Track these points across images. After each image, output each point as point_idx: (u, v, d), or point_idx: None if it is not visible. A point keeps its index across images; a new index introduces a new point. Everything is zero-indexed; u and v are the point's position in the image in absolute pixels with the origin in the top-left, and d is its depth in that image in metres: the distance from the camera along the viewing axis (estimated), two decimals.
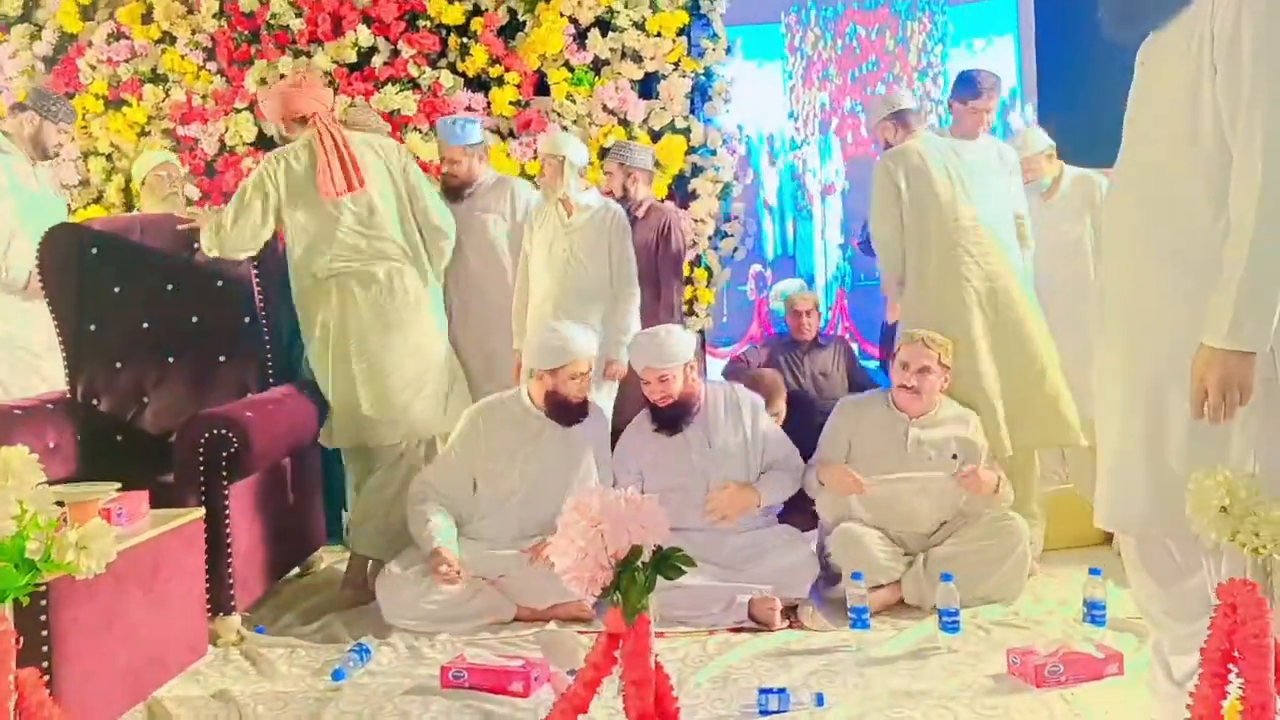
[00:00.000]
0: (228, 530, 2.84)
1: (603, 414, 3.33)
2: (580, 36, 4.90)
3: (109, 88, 4.91)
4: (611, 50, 4.89)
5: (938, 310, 3.33)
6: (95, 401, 3.35)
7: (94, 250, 3.39)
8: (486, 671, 2.43)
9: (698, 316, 4.84)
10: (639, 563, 1.59)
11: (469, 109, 4.89)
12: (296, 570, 3.49)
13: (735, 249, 4.98)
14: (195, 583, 2.60)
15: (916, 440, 3.10)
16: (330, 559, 3.71)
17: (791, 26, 5.47)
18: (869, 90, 5.36)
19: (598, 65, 4.92)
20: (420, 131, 4.88)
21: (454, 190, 3.84)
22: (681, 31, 4.89)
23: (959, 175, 3.43)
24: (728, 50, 5.00)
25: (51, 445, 3.06)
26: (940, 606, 2.68)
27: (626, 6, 4.87)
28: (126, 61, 4.91)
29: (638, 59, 4.89)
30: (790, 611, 2.91)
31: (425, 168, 4.76)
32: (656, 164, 4.53)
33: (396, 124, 4.87)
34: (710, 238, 4.88)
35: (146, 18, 4.91)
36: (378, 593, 2.96)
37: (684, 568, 1.63)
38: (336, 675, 2.53)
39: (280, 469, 3.28)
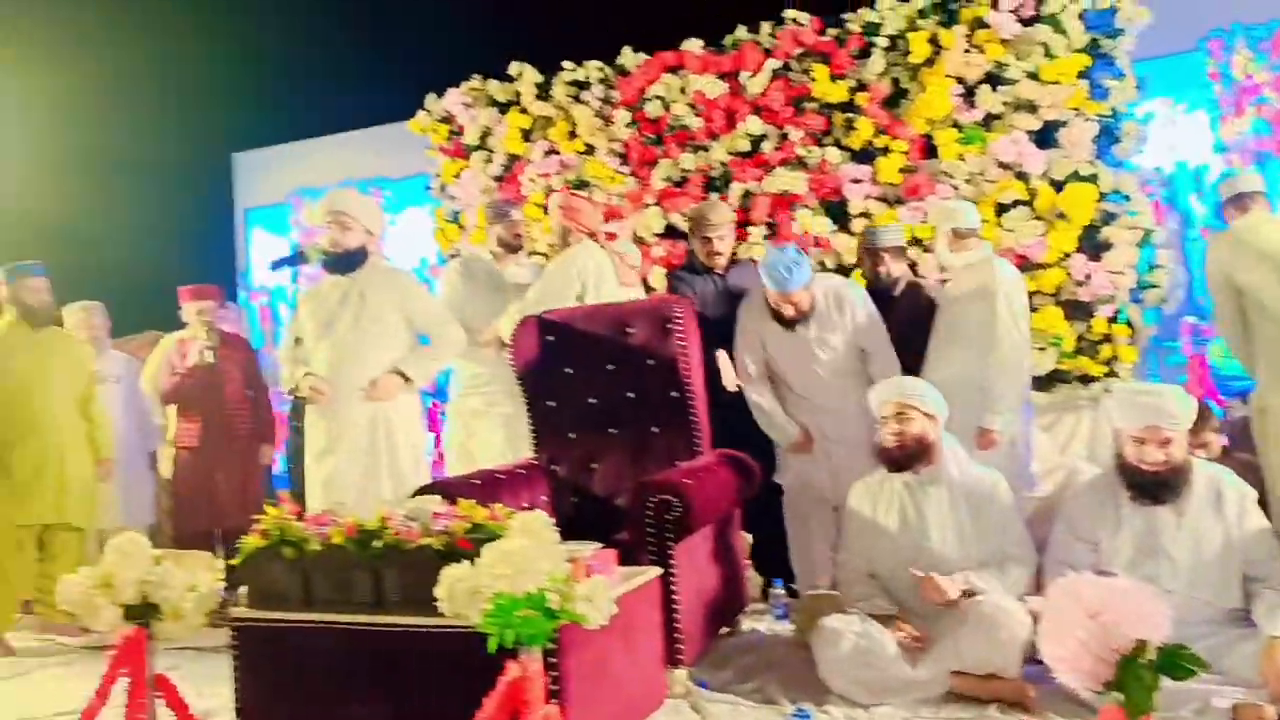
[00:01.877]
0: (674, 587, 3.09)
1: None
2: (968, 94, 4.84)
3: (545, 196, 5.69)
4: (1004, 104, 4.77)
5: None
6: (555, 467, 3.84)
7: (550, 337, 3.92)
8: None
9: (1119, 377, 4.48)
10: (1144, 660, 1.51)
11: (856, 180, 5.02)
12: (726, 630, 3.70)
13: (1162, 301, 4.55)
14: (655, 636, 2.86)
15: None
16: (749, 621, 3.88)
17: (1214, 52, 4.98)
18: None
19: (988, 121, 4.83)
20: (809, 209, 5.08)
21: (790, 322, 3.85)
22: (1082, 74, 4.66)
23: None
24: (1137, 87, 4.66)
25: (526, 505, 3.54)
26: None
27: (1018, 58, 4.74)
28: (557, 173, 5.67)
29: (1033, 109, 4.72)
30: None
31: (804, 240, 4.97)
32: (915, 241, 4.55)
33: (785, 203, 5.12)
34: (1131, 290, 4.51)
35: (572, 134, 5.66)
36: (813, 647, 3.03)
37: (1195, 669, 1.51)
38: None
39: (711, 531, 3.51)
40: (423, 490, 3.20)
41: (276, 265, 3.70)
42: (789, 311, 3.76)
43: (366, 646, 2.36)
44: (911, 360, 3.84)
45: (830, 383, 3.84)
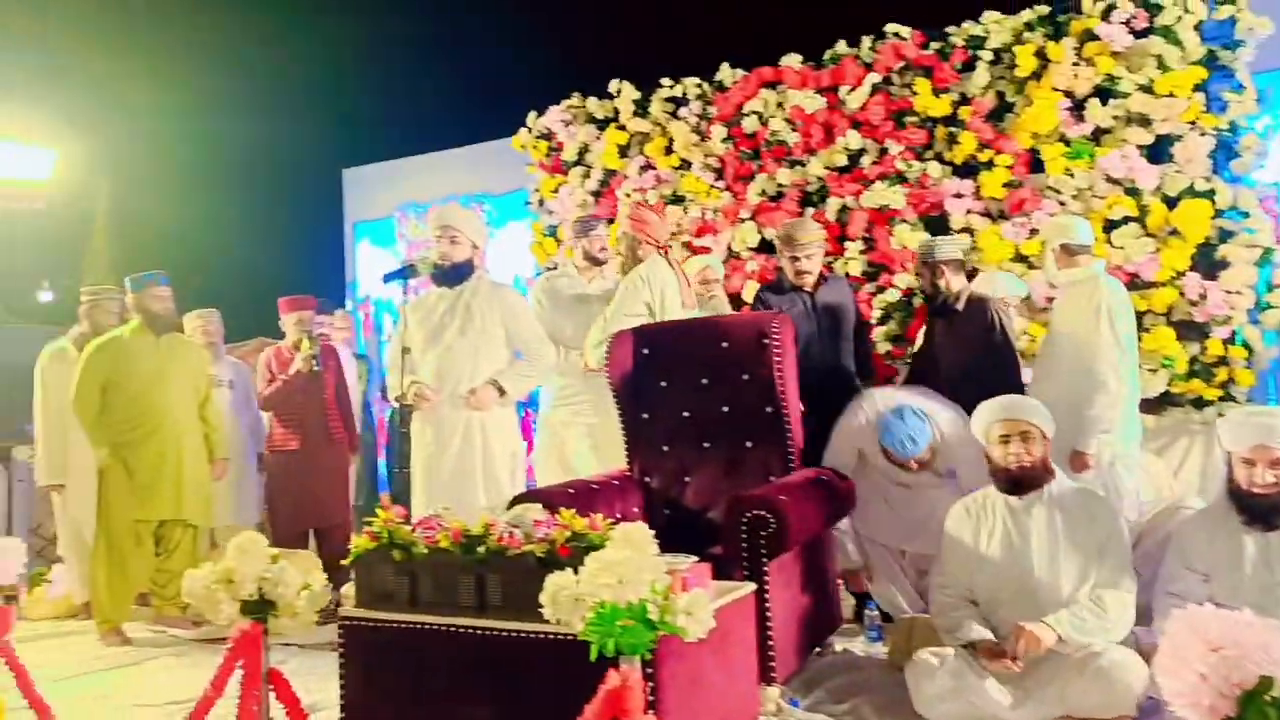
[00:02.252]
0: (767, 604, 3.08)
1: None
2: (1077, 108, 4.72)
3: None
4: (1115, 118, 4.64)
5: None
6: (648, 479, 3.87)
7: (645, 350, 3.95)
8: None
9: (1235, 401, 4.29)
10: (1268, 696, 1.45)
11: (958, 195, 4.93)
12: (818, 649, 3.66)
13: None
14: (749, 652, 2.85)
15: None
16: (842, 641, 3.83)
17: None
18: None
19: (1098, 135, 4.69)
20: (909, 223, 5.01)
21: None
22: (1198, 87, 4.49)
23: None
24: (1258, 100, 4.47)
25: (618, 516, 3.57)
26: None
27: (1130, 71, 4.60)
28: (653, 188, 5.73)
29: (1145, 123, 4.57)
30: None
31: (901, 255, 4.89)
32: (1020, 257, 4.51)
33: (883, 218, 5.07)
34: (1248, 311, 4.32)
35: (668, 150, 5.72)
36: (908, 679, 2.98)
37: None
38: None
39: (804, 550, 3.49)
40: (519, 499, 3.27)
41: (388, 278, 3.83)
42: (912, 468, 3.70)
43: (469, 648, 2.42)
44: (981, 379, 3.70)
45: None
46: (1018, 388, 3.75)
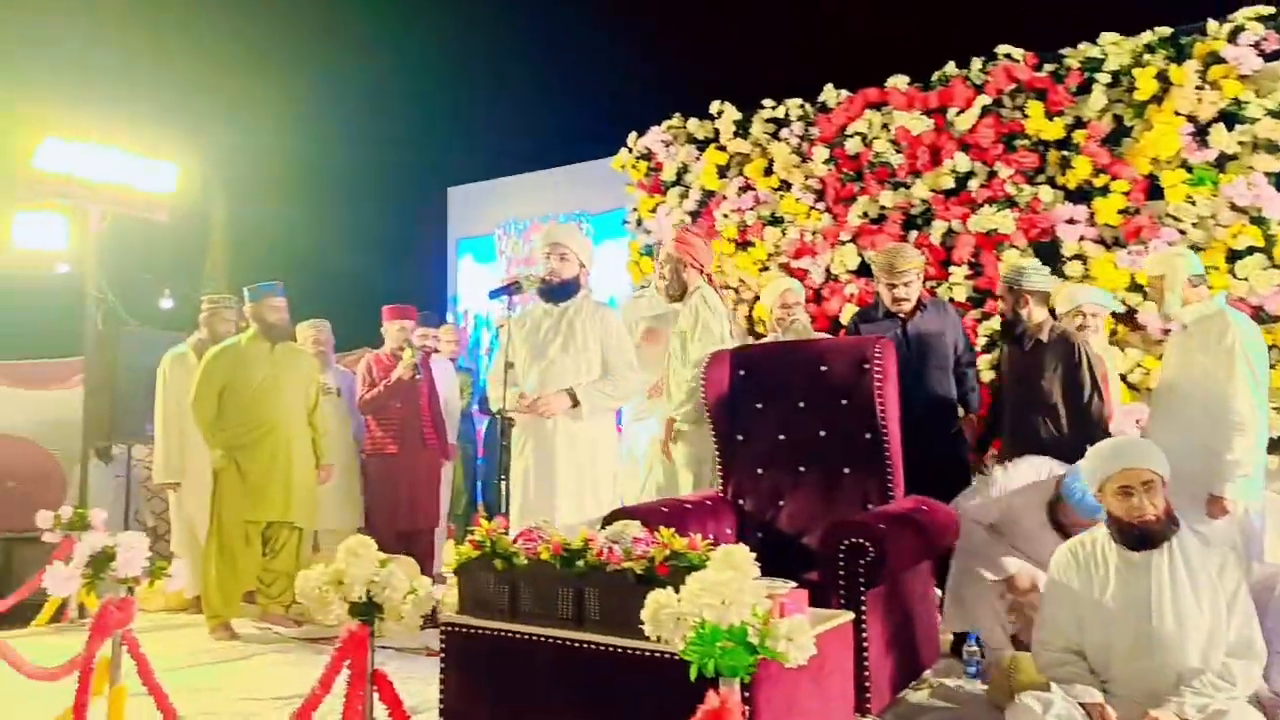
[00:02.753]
0: (864, 634, 3.02)
1: None
2: (1199, 132, 4.54)
3: (738, 232, 5.75)
4: (1240, 144, 4.44)
5: None
6: (741, 501, 3.85)
7: (742, 372, 3.94)
8: None
9: None
10: None
11: (1070, 221, 4.79)
12: (914, 683, 3.57)
13: None
14: (846, 682, 2.81)
15: None
16: (939, 675, 3.73)
17: None
18: None
19: (1222, 161, 4.50)
20: (1017, 249, 4.88)
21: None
22: None
23: None
24: None
25: (711, 536, 3.55)
26: None
27: (1259, 95, 4.40)
28: (751, 209, 5.73)
29: (1274, 149, 4.37)
30: None
31: (996, 285, 4.75)
32: (1135, 286, 4.38)
33: (991, 242, 4.95)
34: None
35: (768, 171, 5.71)
36: None
37: None
38: None
39: (904, 581, 3.41)
40: (614, 515, 3.28)
41: (494, 294, 3.91)
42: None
43: (566, 660, 2.45)
44: (1069, 418, 3.65)
45: None
46: (1101, 427, 3.64)
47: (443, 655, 2.65)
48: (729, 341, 4.07)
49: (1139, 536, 2.67)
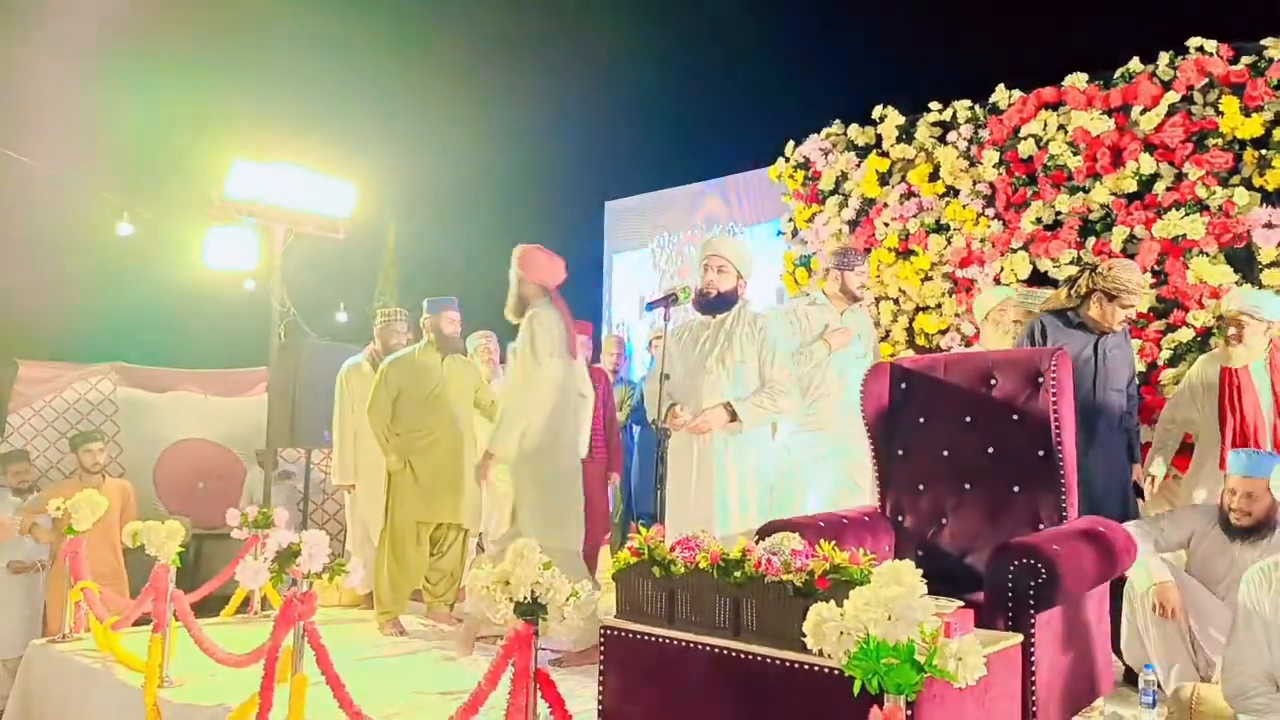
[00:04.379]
0: (1032, 658, 2.87)
1: None
2: None
3: (899, 240, 5.60)
4: None
5: None
6: (900, 518, 3.73)
7: (904, 385, 3.83)
8: None
9: None
10: None
11: (1269, 225, 4.42)
12: (1081, 714, 3.36)
13: None
14: (1013, 706, 2.67)
15: None
16: (1111, 705, 3.50)
17: None
18: None
19: None
20: (1207, 255, 4.54)
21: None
22: None
23: None
24: None
25: (869, 552, 3.47)
26: None
27: None
28: (914, 216, 5.56)
29: None
30: None
31: (1198, 289, 4.41)
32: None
33: (1178, 249, 4.62)
34: None
35: (933, 176, 5.53)
36: None
37: None
38: None
39: (1077, 605, 3.22)
40: (769, 527, 3.25)
41: (651, 306, 3.95)
42: None
43: (723, 668, 2.44)
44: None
45: None
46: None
47: (602, 657, 2.70)
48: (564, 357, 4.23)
49: None
